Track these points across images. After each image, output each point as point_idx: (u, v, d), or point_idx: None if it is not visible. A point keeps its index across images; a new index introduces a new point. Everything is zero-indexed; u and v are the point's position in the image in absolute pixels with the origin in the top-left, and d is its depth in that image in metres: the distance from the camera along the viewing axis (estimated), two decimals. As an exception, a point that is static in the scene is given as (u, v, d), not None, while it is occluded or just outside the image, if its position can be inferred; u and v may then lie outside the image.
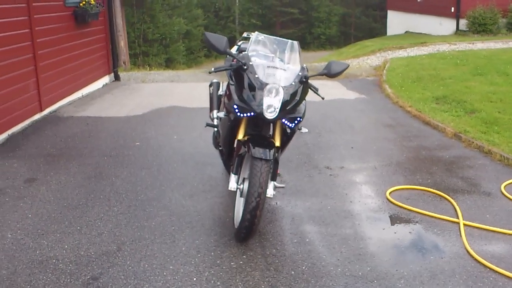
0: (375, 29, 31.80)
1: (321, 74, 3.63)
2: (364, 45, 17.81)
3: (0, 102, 5.93)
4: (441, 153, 5.52)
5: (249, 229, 3.38)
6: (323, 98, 3.88)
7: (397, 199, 4.30)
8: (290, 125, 3.54)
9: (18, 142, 5.88)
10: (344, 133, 6.28)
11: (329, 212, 4.08)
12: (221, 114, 3.70)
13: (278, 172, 4.74)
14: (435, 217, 4.00)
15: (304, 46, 33.82)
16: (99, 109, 7.61)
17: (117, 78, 10.39)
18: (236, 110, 3.48)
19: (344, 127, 6.57)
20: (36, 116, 6.94)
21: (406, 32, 19.61)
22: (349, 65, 3.78)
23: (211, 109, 4.61)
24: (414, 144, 5.83)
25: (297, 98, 3.52)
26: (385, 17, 22.85)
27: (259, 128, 3.69)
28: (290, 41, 3.75)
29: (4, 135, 6.05)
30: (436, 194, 4.44)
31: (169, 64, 26.93)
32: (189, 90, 9.07)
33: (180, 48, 26.85)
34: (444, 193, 4.43)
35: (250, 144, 3.41)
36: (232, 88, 3.67)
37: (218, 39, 3.56)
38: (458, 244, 3.59)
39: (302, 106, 3.70)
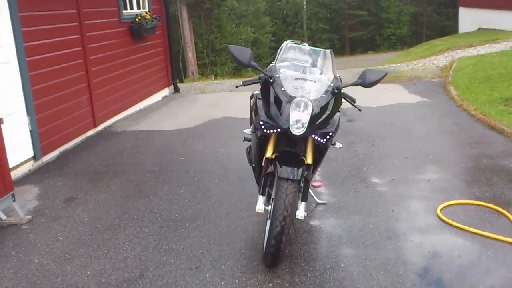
0: (447, 27, 30.41)
1: (355, 84, 3.31)
2: (432, 45, 16.99)
3: (52, 119, 6.04)
4: (504, 161, 4.98)
5: (275, 255, 3.12)
6: (360, 110, 3.56)
7: (449, 216, 3.88)
8: (322, 140, 3.25)
9: (68, 159, 5.95)
10: (400, 141, 5.86)
11: (371, 232, 3.73)
12: (248, 131, 3.47)
13: (321, 185, 4.51)
14: (491, 238, 3.55)
15: (374, 47, 32.95)
16: (153, 122, 7.62)
17: (176, 90, 10.48)
18: (262, 127, 3.24)
19: (401, 135, 6.14)
20: (90, 132, 7.04)
21: (478, 29, 18.50)
22: (386, 73, 3.44)
23: (251, 123, 4.40)
24: (475, 152, 5.31)
25: (328, 111, 3.23)
26: (457, 14, 21.72)
27: (291, 145, 3.44)
28: (322, 50, 3.48)
29: (56, 153, 6.16)
30: (494, 209, 3.97)
31: (237, 72, 27.12)
32: (245, 100, 8.90)
33: (247, 56, 26.90)
34: (504, 209, 3.95)
35: (276, 163, 3.16)
36: (259, 102, 3.44)
37: (242, 52, 3.34)
38: (517, 271, 3.15)
39: (335, 119, 3.41)
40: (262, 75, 3.35)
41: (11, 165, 5.19)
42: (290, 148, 3.40)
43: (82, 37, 6.80)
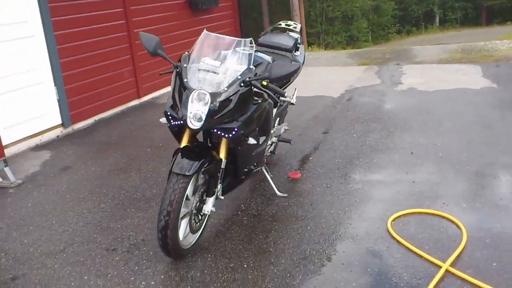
0: None
1: (262, 78, 3.09)
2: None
3: (84, 90, 6.43)
4: None
5: (165, 248, 3.11)
6: (292, 104, 3.33)
7: (400, 227, 3.52)
8: (225, 135, 3.12)
9: (96, 128, 6.34)
10: (422, 134, 5.36)
11: (292, 237, 3.53)
12: (163, 120, 3.43)
13: (299, 175, 4.32)
14: (421, 256, 3.17)
15: None
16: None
17: (246, 62, 10.46)
18: (170, 118, 3.19)
19: (429, 126, 5.61)
20: (134, 102, 7.40)
21: None
22: (299, 67, 3.17)
23: None
24: (498, 158, 4.69)
25: (232, 105, 3.07)
26: None
27: (207, 138, 3.37)
28: (239, 39, 3.27)
29: (90, 120, 6.58)
30: (448, 219, 3.55)
31: (351, 42, 26.34)
32: (314, 76, 8.72)
33: (362, 25, 25.92)
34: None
35: (174, 155, 3.11)
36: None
37: (148, 40, 3.29)
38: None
39: (249, 113, 3.20)
40: (177, 63, 3.26)
41: (37, 130, 5.71)
42: (207, 140, 3.33)
43: (125, 11, 7.07)
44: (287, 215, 3.81)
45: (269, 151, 4.24)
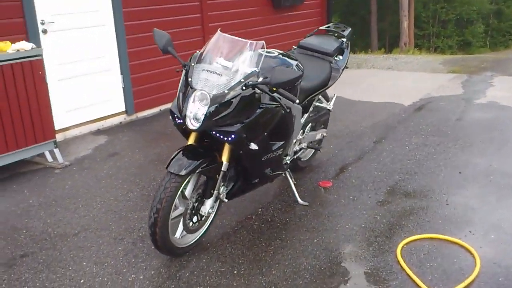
0: None
1: (263, 83, 2.99)
2: None
3: (151, 79, 6.67)
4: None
5: (155, 244, 3.13)
6: (286, 111, 3.20)
7: (414, 251, 3.27)
8: (224, 138, 3.07)
9: (158, 118, 6.57)
10: (481, 153, 4.93)
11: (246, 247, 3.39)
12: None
13: (330, 184, 4.16)
14: (419, 286, 2.91)
15: None
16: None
17: (330, 62, 10.26)
18: (174, 115, 3.21)
19: (494, 145, 5.14)
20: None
21: None
22: (301, 75, 3.02)
23: None
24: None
25: (232, 108, 3.01)
26: None
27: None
28: (251, 42, 3.18)
29: (155, 110, 6.83)
30: (460, 245, 3.23)
31: (463, 47, 24.83)
32: (393, 81, 8.40)
33: (477, 29, 24.29)
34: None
35: (174, 154, 3.12)
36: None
37: (160, 36, 3.31)
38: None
39: (252, 118, 3.11)
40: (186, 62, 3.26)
41: (100, 115, 6.03)
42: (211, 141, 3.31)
43: (201, 5, 7.21)
44: (299, 225, 3.69)
45: (295, 157, 4.11)
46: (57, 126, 5.66)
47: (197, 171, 3.08)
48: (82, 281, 3.11)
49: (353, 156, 4.99)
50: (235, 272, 3.14)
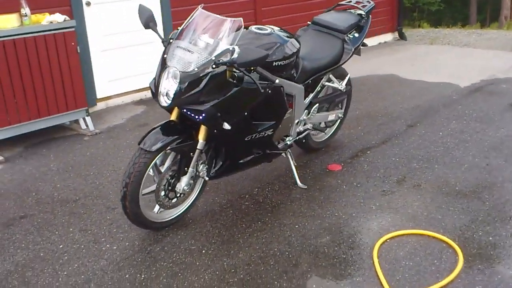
0: None
1: (229, 62, 2.90)
2: None
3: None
4: None
5: (128, 217, 3.21)
6: (260, 91, 3.07)
7: (396, 248, 3.08)
8: (195, 116, 3.04)
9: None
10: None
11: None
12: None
13: (339, 168, 4.02)
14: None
15: None
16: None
17: (402, 37, 9.78)
18: (152, 92, 3.23)
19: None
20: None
21: None
22: (266, 55, 2.87)
23: None
24: None
25: (201, 86, 2.96)
26: None
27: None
28: (230, 19, 3.07)
29: (201, 83, 6.89)
30: (443, 241, 2.98)
31: None
32: (460, 59, 7.86)
33: None
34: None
35: (150, 129, 3.16)
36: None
37: (142, 12, 3.29)
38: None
39: (225, 96, 3.03)
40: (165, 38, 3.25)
41: (144, 85, 6.21)
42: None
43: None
44: (288, 209, 3.59)
45: (298, 138, 3.98)
46: (99, 95, 5.94)
47: (168, 148, 3.09)
48: (61, 246, 3.27)
49: (378, 139, 4.74)
50: (203, 251, 3.14)
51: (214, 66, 2.92)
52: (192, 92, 2.95)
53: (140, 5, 3.36)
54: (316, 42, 3.97)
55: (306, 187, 3.86)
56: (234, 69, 2.99)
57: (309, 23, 4.22)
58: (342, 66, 4.07)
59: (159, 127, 3.17)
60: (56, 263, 3.08)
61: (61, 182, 4.15)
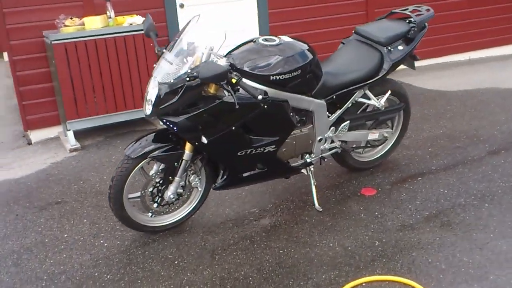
0: None
1: (194, 76, 2.82)
2: None
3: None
4: None
5: (117, 218, 3.33)
6: (237, 106, 2.88)
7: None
8: (173, 127, 3.04)
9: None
10: None
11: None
12: None
13: (373, 193, 3.70)
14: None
15: None
16: (452, 77, 6.77)
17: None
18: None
19: None
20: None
21: None
22: (226, 70, 2.70)
23: None
24: None
25: (176, 98, 2.94)
26: None
27: None
28: (213, 32, 2.98)
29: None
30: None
31: None
32: None
33: None
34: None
35: (141, 136, 3.25)
36: None
37: (146, 21, 3.33)
38: None
39: (204, 110, 2.97)
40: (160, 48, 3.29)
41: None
42: None
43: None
44: (287, 231, 3.39)
45: (320, 156, 3.70)
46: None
47: (149, 157, 3.13)
48: (65, 235, 3.54)
49: (441, 164, 4.18)
50: (175, 262, 3.13)
51: (188, 78, 2.88)
52: (169, 103, 2.96)
53: (147, 14, 3.43)
54: (351, 55, 3.65)
55: (321, 209, 3.59)
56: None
57: (354, 32, 3.87)
58: (397, 81, 3.66)
59: (153, 134, 3.22)
60: (50, 251, 3.34)
61: (109, 174, 4.44)
